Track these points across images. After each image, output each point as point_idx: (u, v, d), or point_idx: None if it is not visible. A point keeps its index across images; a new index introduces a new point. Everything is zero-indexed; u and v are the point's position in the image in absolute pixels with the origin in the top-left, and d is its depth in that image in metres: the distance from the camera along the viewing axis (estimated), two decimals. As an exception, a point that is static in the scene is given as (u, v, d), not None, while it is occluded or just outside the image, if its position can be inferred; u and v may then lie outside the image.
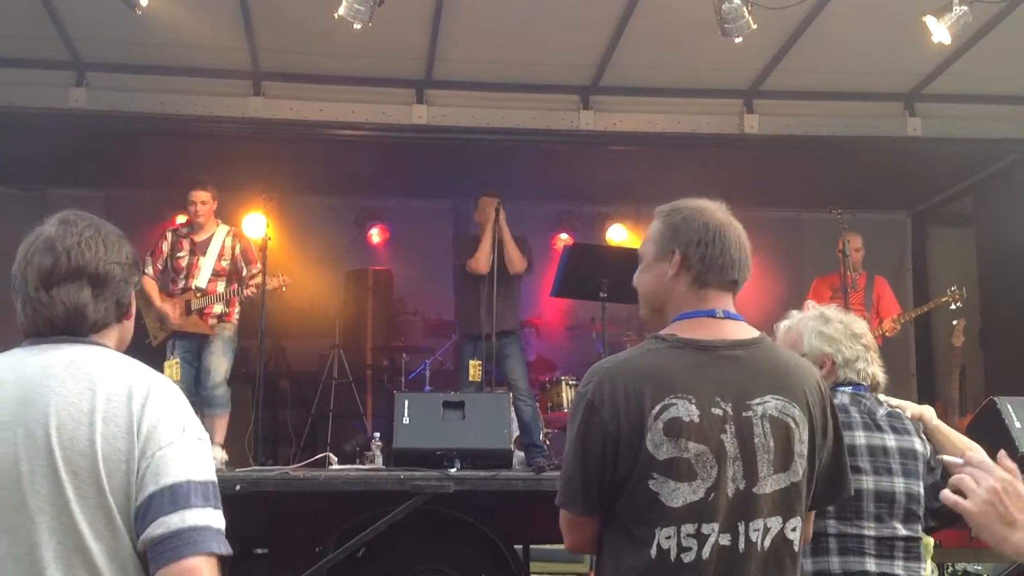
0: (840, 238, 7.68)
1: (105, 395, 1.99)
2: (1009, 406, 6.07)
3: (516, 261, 7.84)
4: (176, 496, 1.92)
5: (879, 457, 3.31)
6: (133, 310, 2.22)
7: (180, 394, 2.08)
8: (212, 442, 6.72)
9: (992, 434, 6.08)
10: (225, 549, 1.96)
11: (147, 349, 7.38)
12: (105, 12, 6.80)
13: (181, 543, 1.91)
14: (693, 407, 2.21)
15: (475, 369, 7.60)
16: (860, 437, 3.32)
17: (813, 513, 2.44)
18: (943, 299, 8.22)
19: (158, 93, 8.18)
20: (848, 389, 3.42)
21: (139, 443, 1.95)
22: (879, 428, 3.36)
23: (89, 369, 2.03)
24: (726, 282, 2.41)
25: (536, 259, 8.35)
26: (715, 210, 2.45)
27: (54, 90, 8.11)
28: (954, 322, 8.65)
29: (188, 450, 1.99)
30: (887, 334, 8.17)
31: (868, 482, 3.26)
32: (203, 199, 7.58)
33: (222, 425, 7.29)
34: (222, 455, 6.90)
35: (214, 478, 2.02)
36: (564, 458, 2.36)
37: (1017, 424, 5.96)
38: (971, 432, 6.66)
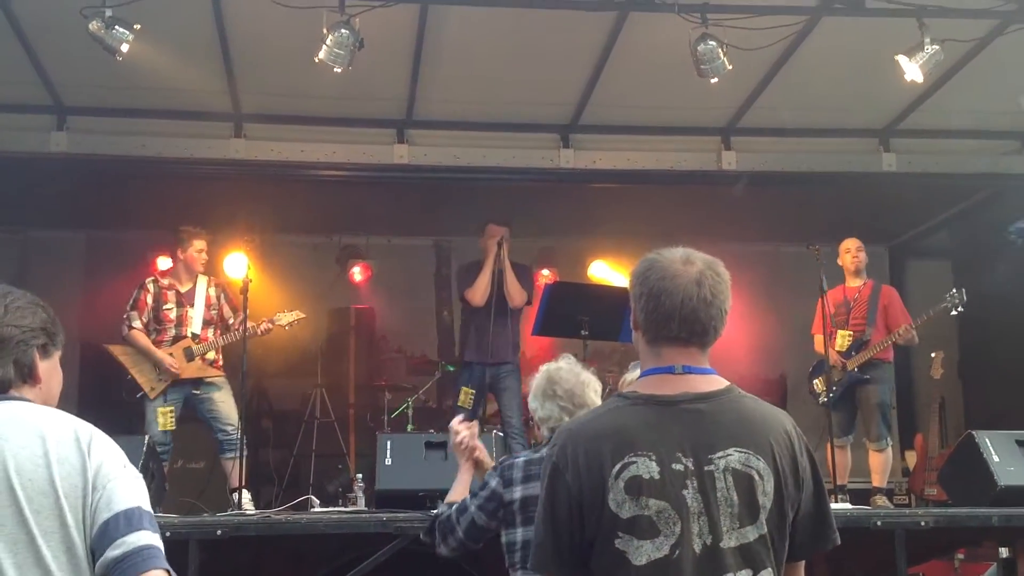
0: (820, 273, 7.54)
1: (55, 439, 2.16)
2: (987, 439, 6.13)
3: (515, 296, 7.77)
4: (130, 520, 2.12)
5: (530, 508, 3.49)
6: (41, 375, 2.33)
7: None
8: (238, 485, 6.71)
9: (971, 467, 6.14)
10: (172, 571, 2.16)
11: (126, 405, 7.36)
12: (86, 57, 6.81)
13: (142, 559, 2.10)
14: (653, 464, 2.19)
15: (466, 396, 7.58)
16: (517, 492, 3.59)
17: (802, 564, 2.41)
18: (943, 304, 7.62)
19: (139, 136, 8.23)
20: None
21: (90, 478, 2.14)
22: None
23: (32, 420, 2.20)
24: (674, 338, 2.31)
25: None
26: (672, 261, 2.33)
27: (35, 134, 8.16)
28: (932, 354, 8.67)
29: (133, 483, 2.20)
30: (900, 341, 7.70)
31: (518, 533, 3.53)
32: (205, 248, 7.53)
33: (237, 466, 6.99)
34: (248, 496, 6.84)
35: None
36: (535, 522, 2.35)
37: (995, 458, 6.02)
38: (951, 465, 6.74)
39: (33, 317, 2.32)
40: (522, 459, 3.70)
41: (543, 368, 3.87)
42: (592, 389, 3.77)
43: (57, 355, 2.39)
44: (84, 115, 8.23)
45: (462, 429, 4.11)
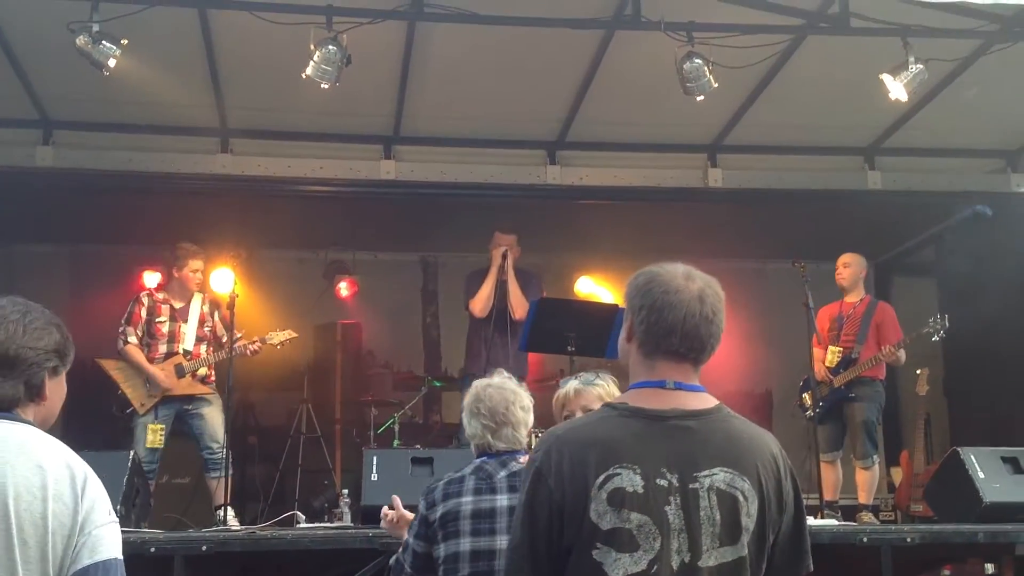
0: (805, 290, 7.53)
1: (54, 475, 2.21)
2: (972, 456, 6.14)
3: (517, 308, 7.66)
4: (107, 571, 2.21)
5: (483, 519, 3.55)
6: (48, 394, 2.38)
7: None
8: (222, 503, 6.70)
9: (956, 484, 6.15)
10: None
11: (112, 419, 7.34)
12: (72, 71, 6.80)
13: None
14: (638, 477, 2.18)
15: None
16: (466, 504, 3.61)
17: None
18: (925, 330, 7.60)
19: (126, 151, 8.21)
20: (479, 461, 3.75)
21: (80, 520, 2.20)
22: (493, 491, 3.59)
23: (34, 449, 2.24)
24: (673, 352, 2.31)
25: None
26: (674, 276, 2.33)
27: (21, 148, 8.13)
28: (918, 371, 8.69)
29: (115, 532, 2.27)
30: (885, 361, 7.62)
31: (465, 544, 3.54)
32: (202, 267, 7.53)
33: (223, 485, 6.98)
34: (232, 513, 6.81)
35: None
36: (512, 525, 2.32)
37: (980, 474, 6.03)
38: (936, 481, 6.75)
39: (48, 338, 2.37)
40: (443, 481, 3.76)
41: (474, 384, 3.93)
42: (519, 406, 3.81)
43: (64, 372, 2.42)
44: (70, 129, 8.21)
45: (389, 513, 4.20)
